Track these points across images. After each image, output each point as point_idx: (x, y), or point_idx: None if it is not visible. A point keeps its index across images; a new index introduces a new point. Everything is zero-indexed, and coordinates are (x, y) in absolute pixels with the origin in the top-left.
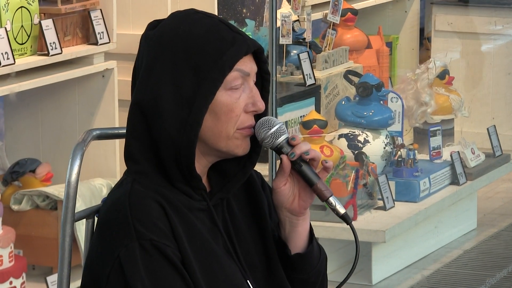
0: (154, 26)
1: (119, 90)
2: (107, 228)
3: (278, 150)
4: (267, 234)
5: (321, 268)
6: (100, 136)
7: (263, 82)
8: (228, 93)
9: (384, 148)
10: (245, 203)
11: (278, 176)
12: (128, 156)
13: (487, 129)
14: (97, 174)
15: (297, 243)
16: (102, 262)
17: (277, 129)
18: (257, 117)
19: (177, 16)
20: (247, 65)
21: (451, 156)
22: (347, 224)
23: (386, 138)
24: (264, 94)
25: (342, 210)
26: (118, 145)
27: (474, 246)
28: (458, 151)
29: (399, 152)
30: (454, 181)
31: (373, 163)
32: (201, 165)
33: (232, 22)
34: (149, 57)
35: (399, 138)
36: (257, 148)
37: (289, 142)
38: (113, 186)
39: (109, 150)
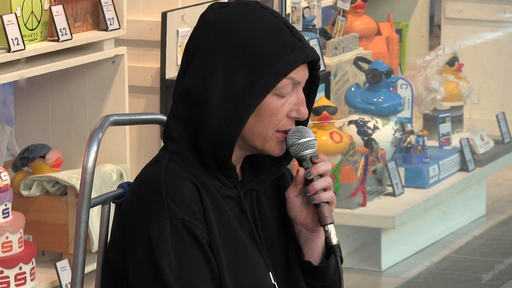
0: (215, 10)
1: (129, 76)
2: (139, 203)
3: (300, 161)
4: (290, 232)
5: (335, 283)
6: (117, 122)
7: (311, 86)
8: (275, 97)
9: (394, 134)
10: (273, 198)
11: (290, 186)
12: (167, 135)
13: (496, 116)
14: (107, 160)
15: (311, 256)
16: (130, 236)
17: (306, 141)
18: (298, 123)
19: (241, 6)
20: (300, 73)
21: (460, 142)
22: (335, 256)
23: (395, 124)
24: (311, 97)
25: (334, 241)
26: (128, 131)
27: (483, 232)
28: (467, 138)
29: (408, 139)
30: (463, 167)
31: (382, 149)
32: (236, 156)
33: None
34: (206, 44)
35: (408, 125)
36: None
37: (311, 159)
38: (122, 172)
39: (120, 136)
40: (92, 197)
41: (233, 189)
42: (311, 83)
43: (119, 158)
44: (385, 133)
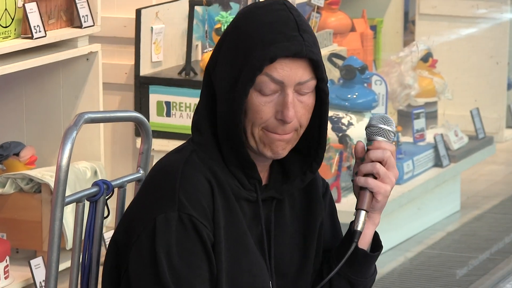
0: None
1: (103, 73)
2: (153, 188)
3: (368, 141)
4: (310, 247)
5: (372, 281)
6: (92, 120)
7: (320, 93)
8: (256, 93)
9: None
10: (300, 208)
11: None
12: (195, 124)
13: (471, 111)
14: (81, 157)
15: (361, 244)
16: (138, 221)
17: (386, 129)
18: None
19: (264, 2)
20: (285, 72)
21: (434, 138)
22: (352, 242)
23: None
24: (319, 106)
25: (359, 227)
26: (103, 128)
27: (457, 228)
28: (442, 134)
29: None
30: (438, 163)
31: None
32: (259, 161)
33: (216, 5)
34: (224, 31)
35: None
36: (318, 158)
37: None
38: (97, 169)
39: (94, 133)
40: (66, 194)
41: (252, 192)
42: (320, 90)
43: (94, 155)
44: (359, 129)
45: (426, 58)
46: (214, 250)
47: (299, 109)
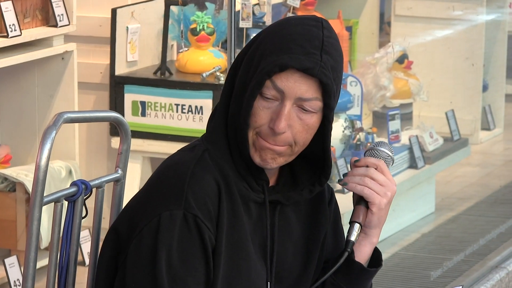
0: None
1: (78, 72)
2: (162, 184)
3: (370, 154)
4: (312, 255)
5: None
6: (71, 120)
7: (323, 119)
8: (260, 98)
9: (343, 131)
10: (305, 215)
11: None
12: (210, 124)
13: (446, 113)
14: (56, 157)
15: (358, 258)
16: (142, 214)
17: (387, 154)
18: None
19: (304, 16)
20: (289, 84)
21: (409, 140)
22: (344, 251)
23: (345, 121)
24: (323, 128)
25: (352, 238)
26: (77, 128)
27: (432, 229)
28: (417, 135)
29: (358, 136)
30: (413, 165)
31: (332, 146)
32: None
33: (192, 5)
34: (257, 34)
35: (358, 122)
36: (325, 173)
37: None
38: (72, 169)
39: (69, 133)
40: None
41: (260, 193)
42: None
43: (68, 155)
44: (334, 130)
45: (402, 59)
46: (214, 253)
47: (296, 125)
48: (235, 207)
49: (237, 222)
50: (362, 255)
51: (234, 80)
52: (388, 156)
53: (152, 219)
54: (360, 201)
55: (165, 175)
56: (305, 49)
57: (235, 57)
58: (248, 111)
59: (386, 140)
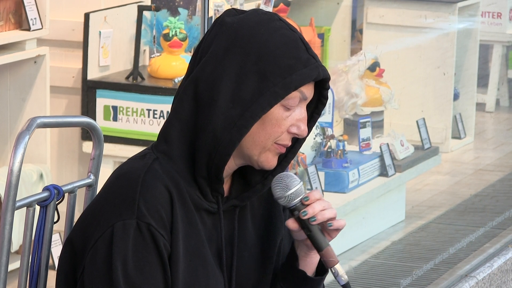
0: (233, 14)
1: (51, 76)
2: (113, 194)
3: (291, 211)
4: (269, 260)
5: None
6: (45, 125)
7: (318, 104)
8: (282, 108)
9: (314, 138)
10: (260, 214)
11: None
12: (164, 133)
13: (417, 121)
14: (27, 160)
15: (305, 267)
16: (96, 225)
17: (293, 192)
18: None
19: (259, 15)
20: (309, 90)
21: (380, 147)
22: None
23: (316, 128)
24: (315, 117)
25: (343, 281)
26: (49, 131)
27: (402, 237)
28: (388, 143)
29: (328, 143)
30: (383, 172)
31: (302, 153)
32: (229, 167)
33: (165, 10)
34: (219, 45)
35: (329, 129)
36: (283, 162)
37: (302, 203)
38: (43, 172)
39: (40, 136)
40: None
41: (213, 204)
42: (318, 102)
43: (40, 158)
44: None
45: (373, 67)
46: (170, 260)
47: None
48: (189, 214)
49: (192, 229)
50: (310, 266)
51: (197, 92)
52: (299, 189)
53: (106, 230)
54: (321, 245)
55: (116, 184)
56: (300, 59)
57: (190, 60)
58: (247, 128)
59: (356, 148)
